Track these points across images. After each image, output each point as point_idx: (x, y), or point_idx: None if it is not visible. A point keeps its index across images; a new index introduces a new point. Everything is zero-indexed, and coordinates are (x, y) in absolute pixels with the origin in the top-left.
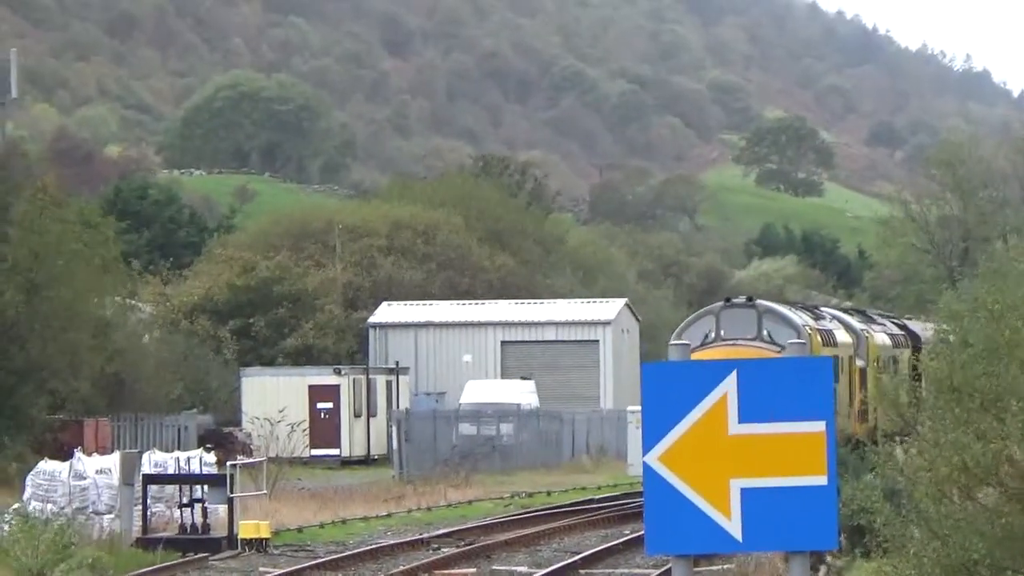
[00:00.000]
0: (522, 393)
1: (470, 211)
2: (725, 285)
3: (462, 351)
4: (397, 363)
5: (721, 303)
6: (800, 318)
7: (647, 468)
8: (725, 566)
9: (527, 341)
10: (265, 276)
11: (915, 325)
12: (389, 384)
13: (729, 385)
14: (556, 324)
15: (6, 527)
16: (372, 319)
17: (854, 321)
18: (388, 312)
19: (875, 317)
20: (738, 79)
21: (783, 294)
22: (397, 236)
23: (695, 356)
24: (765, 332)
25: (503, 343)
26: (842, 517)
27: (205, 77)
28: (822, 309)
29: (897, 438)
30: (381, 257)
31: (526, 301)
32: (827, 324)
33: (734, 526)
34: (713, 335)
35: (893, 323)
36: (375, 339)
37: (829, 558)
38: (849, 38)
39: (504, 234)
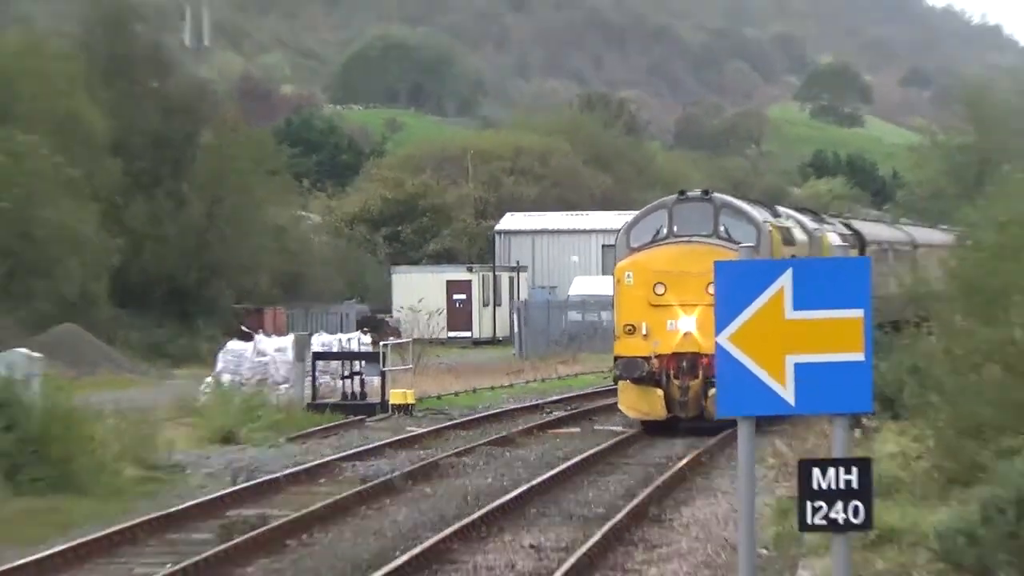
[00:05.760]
0: None
1: (577, 139)
2: (784, 201)
3: (570, 253)
4: (518, 262)
5: (675, 196)
6: (761, 214)
7: (719, 346)
8: (781, 426)
9: None
10: (411, 192)
11: (860, 224)
12: (511, 279)
13: (785, 279)
14: None
15: (203, 395)
16: (498, 227)
17: (808, 220)
18: (511, 221)
19: (824, 217)
20: (797, 31)
21: (829, 207)
22: (519, 160)
23: (642, 256)
24: (722, 228)
25: (603, 246)
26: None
27: (362, 29)
28: (778, 208)
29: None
30: (505, 177)
31: (622, 212)
32: (785, 222)
33: (789, 393)
34: (665, 231)
35: (841, 223)
36: (500, 243)
37: (864, 421)
38: None
39: (604, 157)
